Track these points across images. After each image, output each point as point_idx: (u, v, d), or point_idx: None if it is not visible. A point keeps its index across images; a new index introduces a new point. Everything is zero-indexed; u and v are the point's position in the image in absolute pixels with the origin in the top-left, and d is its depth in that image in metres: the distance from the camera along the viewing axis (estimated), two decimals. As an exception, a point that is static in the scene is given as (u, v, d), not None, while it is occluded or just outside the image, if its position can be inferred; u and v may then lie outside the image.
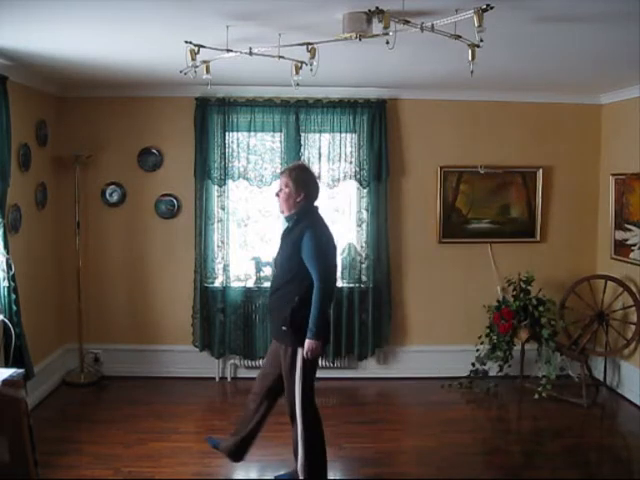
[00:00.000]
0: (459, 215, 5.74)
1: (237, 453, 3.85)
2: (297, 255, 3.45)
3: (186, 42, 3.29)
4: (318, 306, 3.40)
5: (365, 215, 5.56)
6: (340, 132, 5.50)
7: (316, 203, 3.67)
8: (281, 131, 5.50)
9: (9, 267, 4.26)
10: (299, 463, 3.59)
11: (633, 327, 5.24)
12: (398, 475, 3.94)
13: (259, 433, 3.82)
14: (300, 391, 3.52)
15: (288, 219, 3.65)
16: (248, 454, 3.85)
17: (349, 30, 2.94)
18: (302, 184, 3.55)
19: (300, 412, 3.54)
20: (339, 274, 5.57)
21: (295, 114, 5.47)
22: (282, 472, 3.91)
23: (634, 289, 5.24)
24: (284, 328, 3.47)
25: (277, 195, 3.62)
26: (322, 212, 3.70)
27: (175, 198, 5.61)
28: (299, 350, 3.47)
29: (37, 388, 4.89)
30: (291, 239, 3.53)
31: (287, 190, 3.54)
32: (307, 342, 3.42)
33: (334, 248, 3.64)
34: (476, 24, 2.65)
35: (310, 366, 3.54)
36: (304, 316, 3.42)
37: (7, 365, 4.12)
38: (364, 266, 5.60)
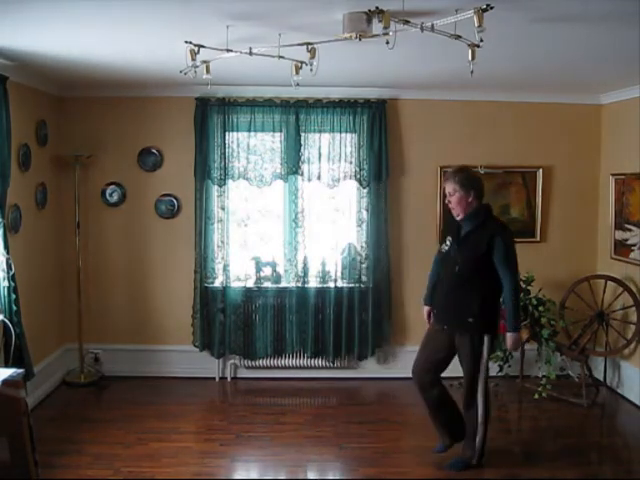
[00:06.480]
0: (459, 215, 5.73)
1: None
2: (485, 255, 3.74)
3: (186, 42, 3.29)
4: (516, 304, 3.80)
5: (365, 215, 5.55)
6: (340, 132, 5.49)
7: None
8: (281, 131, 5.49)
9: (9, 267, 4.26)
10: (477, 447, 3.91)
11: (633, 327, 5.24)
12: (398, 475, 3.93)
13: (457, 413, 4.05)
14: (484, 378, 3.85)
15: (466, 220, 3.86)
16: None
17: (349, 30, 2.94)
18: (468, 185, 3.81)
19: (483, 397, 3.85)
20: (339, 274, 5.63)
21: (295, 114, 5.46)
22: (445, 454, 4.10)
23: (634, 289, 5.24)
24: (471, 320, 3.77)
25: (449, 202, 3.91)
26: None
27: (175, 198, 5.62)
28: (485, 338, 3.79)
29: (37, 388, 4.89)
30: (476, 240, 3.79)
31: (457, 195, 3.82)
32: (509, 335, 3.83)
33: None
34: (476, 24, 2.64)
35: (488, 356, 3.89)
36: (491, 309, 3.82)
37: (7, 365, 4.12)
38: (364, 266, 5.59)
